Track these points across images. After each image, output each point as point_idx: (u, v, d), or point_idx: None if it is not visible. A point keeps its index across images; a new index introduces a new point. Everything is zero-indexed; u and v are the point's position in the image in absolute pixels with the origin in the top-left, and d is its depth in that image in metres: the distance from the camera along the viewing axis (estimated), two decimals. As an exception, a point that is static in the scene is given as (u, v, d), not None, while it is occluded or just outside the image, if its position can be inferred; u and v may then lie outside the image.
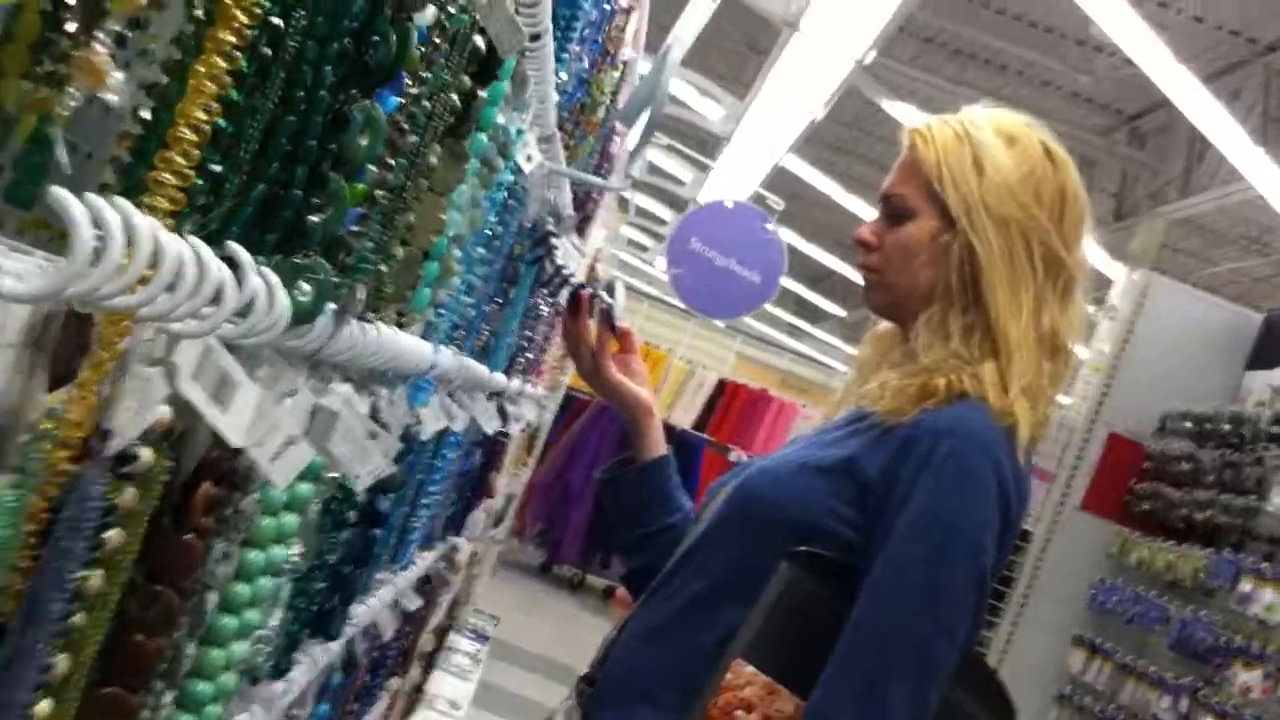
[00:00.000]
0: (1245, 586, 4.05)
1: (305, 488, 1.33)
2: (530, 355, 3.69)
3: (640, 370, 2.21)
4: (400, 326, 1.66)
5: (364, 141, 1.04)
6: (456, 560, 3.91)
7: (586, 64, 2.46)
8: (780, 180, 9.63)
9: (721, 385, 12.11)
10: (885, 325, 2.01)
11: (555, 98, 2.18)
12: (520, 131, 1.96)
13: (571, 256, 2.93)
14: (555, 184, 2.62)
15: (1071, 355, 1.87)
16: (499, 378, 2.98)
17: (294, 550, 1.50)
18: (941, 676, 1.69)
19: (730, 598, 1.78)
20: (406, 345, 1.58)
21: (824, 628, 1.70)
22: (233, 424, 0.96)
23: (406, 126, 1.22)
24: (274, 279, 0.97)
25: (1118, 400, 5.01)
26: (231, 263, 0.91)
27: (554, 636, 8.69)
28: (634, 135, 2.37)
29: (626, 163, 2.34)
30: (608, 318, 2.19)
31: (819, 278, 14.99)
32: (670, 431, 10.91)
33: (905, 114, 9.31)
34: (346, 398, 1.37)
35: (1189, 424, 4.82)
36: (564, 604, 9.95)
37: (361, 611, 2.35)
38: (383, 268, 1.31)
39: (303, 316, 1.06)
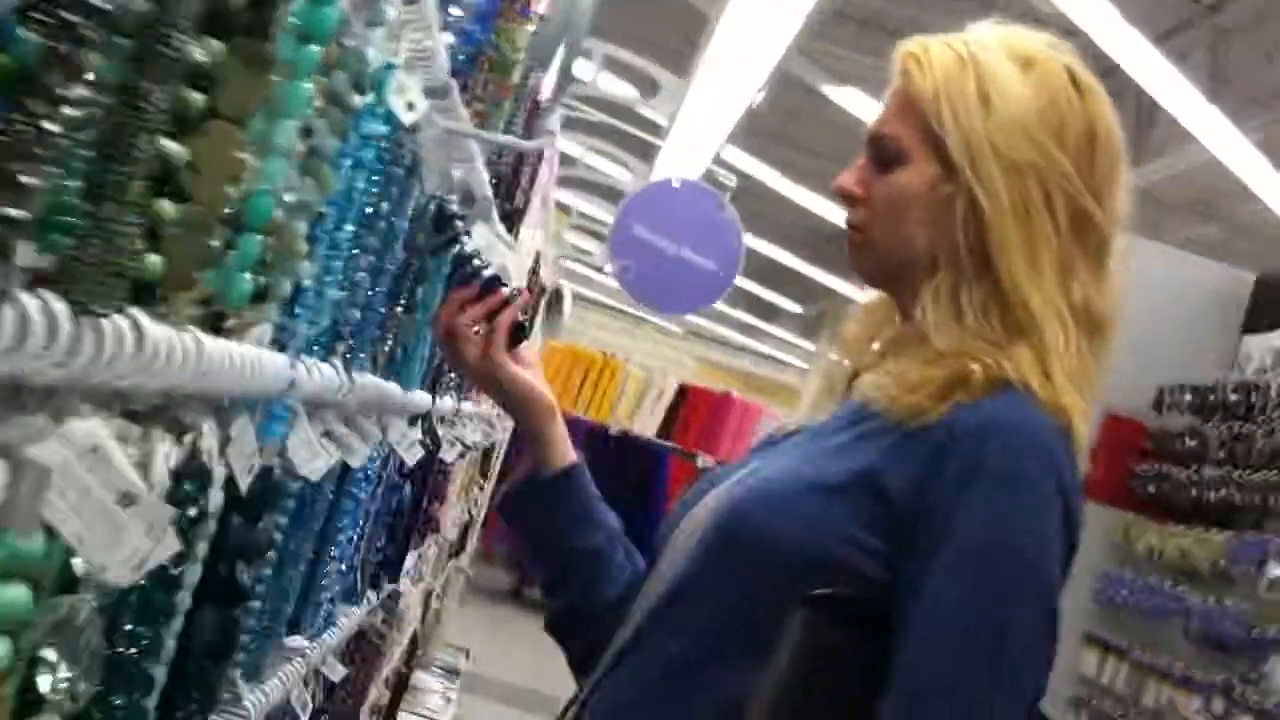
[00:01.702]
0: (1275, 570, 3.54)
1: (14, 595, 0.79)
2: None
3: (533, 361, 1.73)
4: (218, 330, 1.12)
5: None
6: (400, 609, 3.37)
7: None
8: (707, 175, 9.14)
9: (682, 391, 11.59)
10: (876, 296, 1.61)
11: (441, 34, 1.65)
12: (390, 66, 1.43)
13: (495, 249, 2.40)
14: (462, 155, 2.09)
15: (1112, 334, 1.49)
16: (419, 397, 2.44)
17: (61, 674, 0.96)
18: None
19: (729, 658, 1.38)
20: (219, 357, 1.04)
21: (855, 692, 1.32)
22: None
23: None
24: None
25: (1110, 376, 4.48)
26: None
27: (530, 664, 8.10)
28: (550, 78, 1.85)
29: (545, 112, 1.83)
30: (517, 325, 1.69)
31: (772, 274, 14.51)
32: (633, 441, 10.44)
33: (848, 98, 8.88)
34: (91, 443, 0.83)
35: (1189, 397, 4.32)
36: (537, 628, 9.33)
37: (257, 700, 1.81)
38: (113, 226, 0.77)
39: None
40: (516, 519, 1.71)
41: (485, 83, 2.24)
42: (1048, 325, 1.38)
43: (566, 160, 6.32)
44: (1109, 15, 7.00)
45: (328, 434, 1.82)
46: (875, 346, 1.64)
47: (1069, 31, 7.55)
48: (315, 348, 1.56)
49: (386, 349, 2.03)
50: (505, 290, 1.73)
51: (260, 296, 1.20)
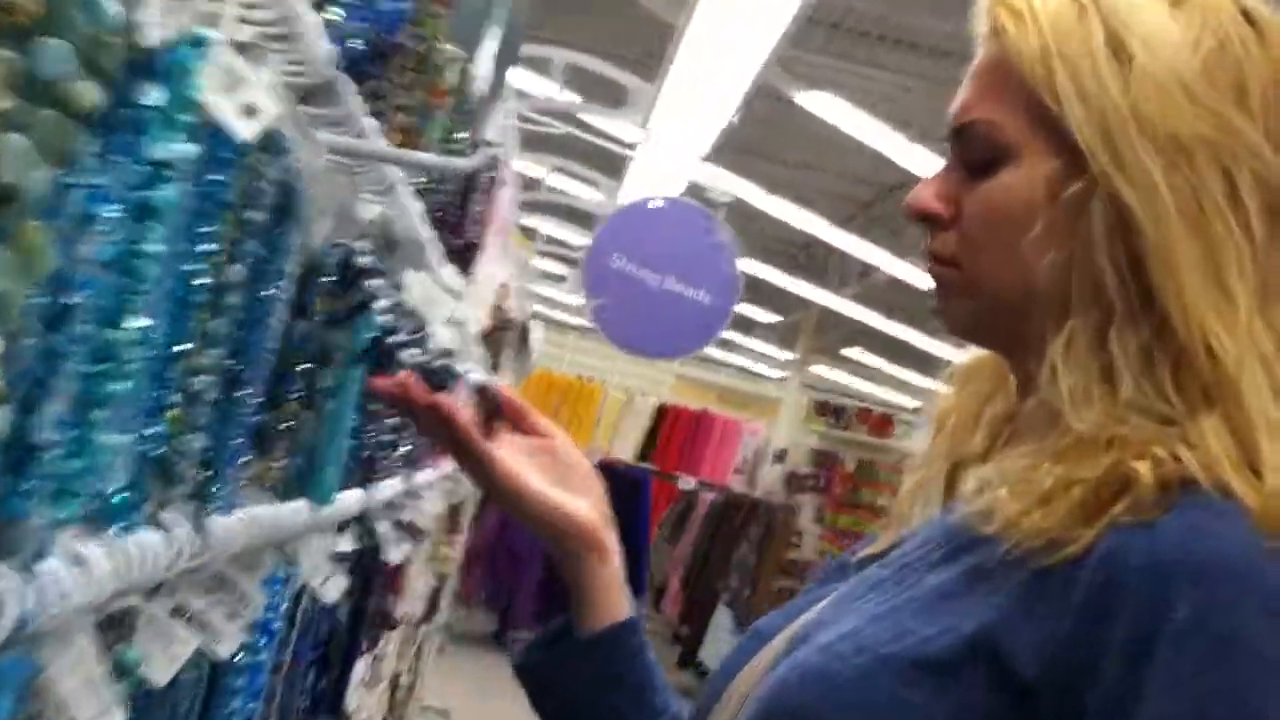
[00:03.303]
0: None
1: None
2: (412, 443, 2.51)
3: (568, 455, 1.12)
4: None
5: None
6: (350, 726, 2.71)
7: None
8: (694, 193, 8.54)
9: (660, 410, 10.97)
10: (979, 356, 1.09)
11: (315, 9, 1.02)
12: (199, 42, 0.80)
13: (436, 302, 1.77)
14: (375, 185, 1.45)
15: None
16: (343, 502, 1.81)
17: None
18: None
19: None
20: None
21: None
22: None
23: None
24: None
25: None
26: None
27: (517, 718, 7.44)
28: (485, 62, 1.23)
29: (477, 114, 1.23)
30: (486, 399, 1.08)
31: (745, 287, 13.91)
32: (613, 467, 9.78)
33: (819, 103, 8.28)
34: None
35: None
36: (522, 675, 8.58)
37: None
38: None
39: None
40: (537, 688, 1.12)
41: (408, 85, 1.60)
42: (1247, 380, 0.87)
43: (528, 183, 5.70)
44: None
45: (178, 612, 1.18)
46: (983, 431, 1.06)
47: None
48: (123, 511, 0.93)
49: (279, 464, 1.40)
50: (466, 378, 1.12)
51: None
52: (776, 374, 15.65)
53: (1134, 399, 0.86)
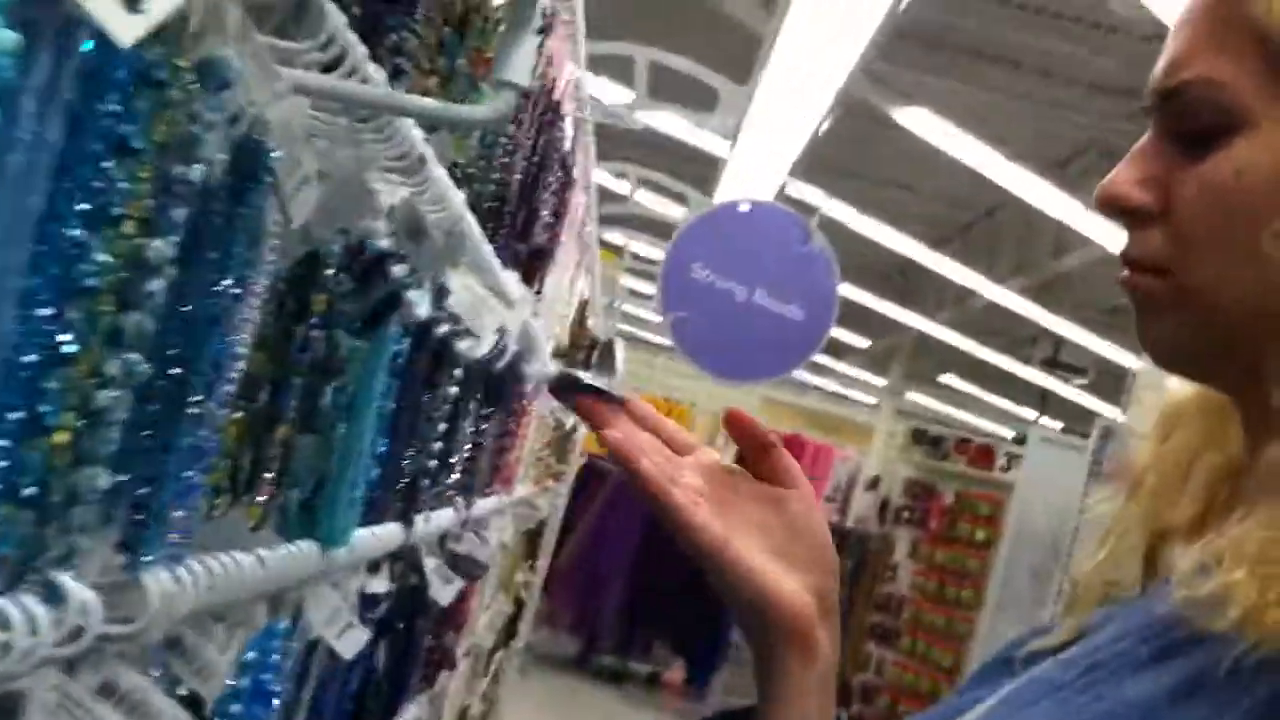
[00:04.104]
0: None
1: None
2: (465, 471, 2.21)
3: (801, 514, 0.82)
4: None
5: None
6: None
7: None
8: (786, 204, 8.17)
9: (751, 434, 10.64)
10: (1186, 396, 0.82)
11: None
12: None
13: (483, 307, 1.48)
14: (399, 158, 1.15)
15: None
16: (376, 537, 1.52)
17: None
18: None
19: None
20: None
21: None
22: None
23: None
24: None
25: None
26: None
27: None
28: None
29: (497, 47, 0.97)
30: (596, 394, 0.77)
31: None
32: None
33: (914, 119, 7.92)
34: None
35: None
36: (607, 702, 8.24)
37: None
38: None
39: None
40: None
41: (439, 43, 1.30)
42: None
43: (612, 197, 5.39)
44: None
45: (105, 691, 0.89)
46: (1196, 492, 0.79)
47: (1145, 40, 6.57)
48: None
49: (261, 499, 1.10)
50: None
51: None
52: (867, 399, 15.21)
53: None
